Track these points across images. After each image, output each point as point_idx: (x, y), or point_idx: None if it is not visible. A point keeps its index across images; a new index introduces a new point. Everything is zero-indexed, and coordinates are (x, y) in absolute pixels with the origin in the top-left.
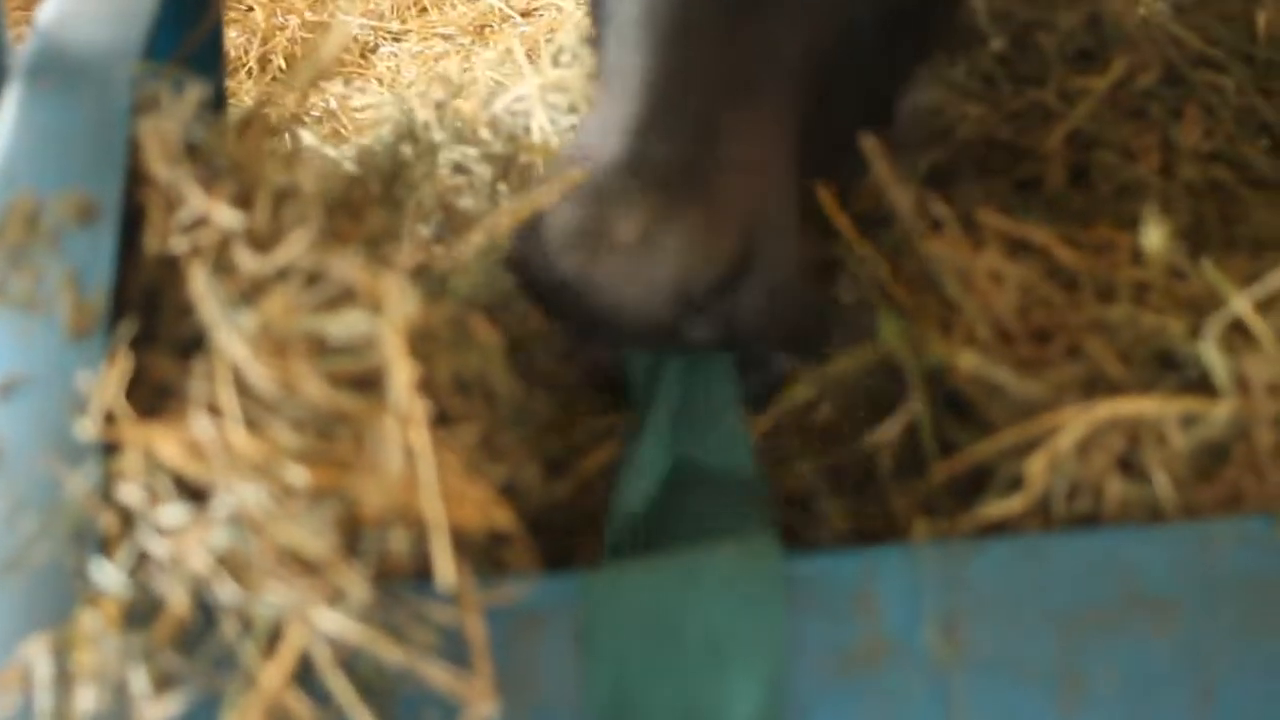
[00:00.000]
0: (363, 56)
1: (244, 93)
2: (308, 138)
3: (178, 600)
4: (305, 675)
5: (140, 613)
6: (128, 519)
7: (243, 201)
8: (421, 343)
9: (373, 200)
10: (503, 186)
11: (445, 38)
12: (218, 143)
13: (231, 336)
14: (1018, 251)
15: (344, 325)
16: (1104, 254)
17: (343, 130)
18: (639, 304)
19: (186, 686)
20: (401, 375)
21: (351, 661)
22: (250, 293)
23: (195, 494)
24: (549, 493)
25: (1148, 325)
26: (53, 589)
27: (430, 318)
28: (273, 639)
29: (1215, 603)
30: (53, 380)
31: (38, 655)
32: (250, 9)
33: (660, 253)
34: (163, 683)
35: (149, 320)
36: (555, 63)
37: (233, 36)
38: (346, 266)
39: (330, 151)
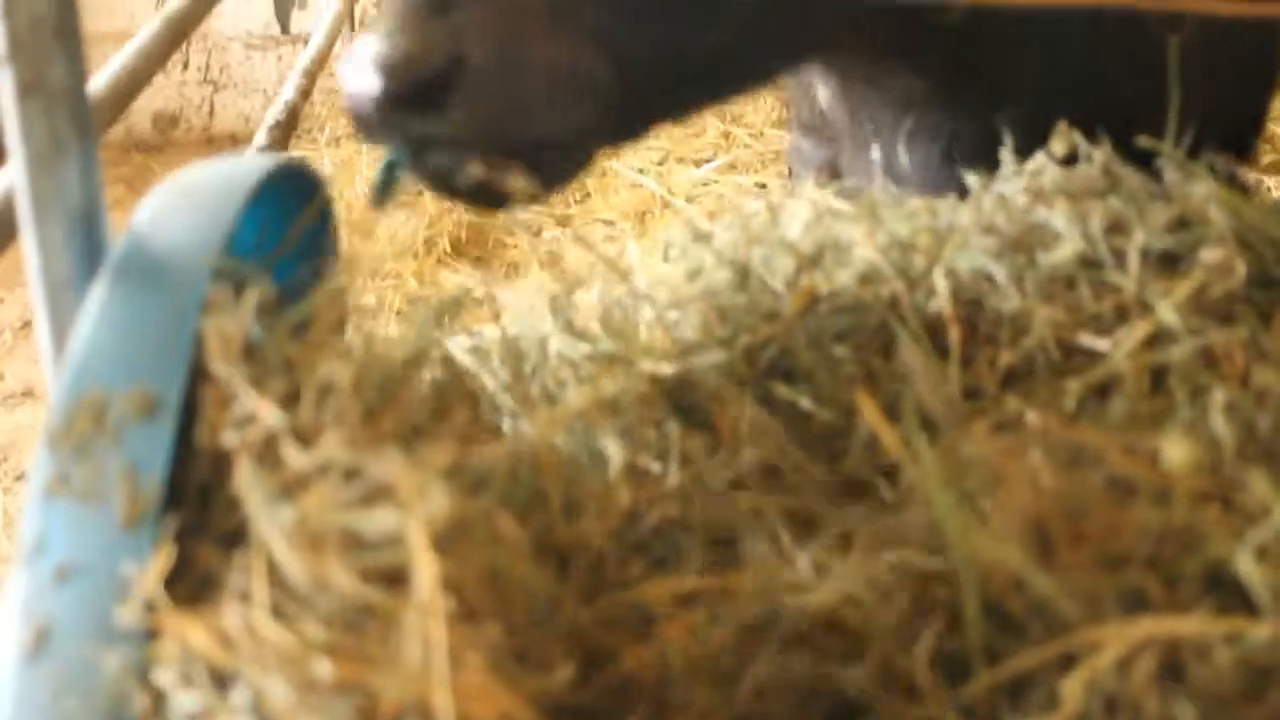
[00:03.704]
0: (526, 240)
1: (410, 273)
2: (421, 317)
3: None
4: None
5: None
6: (160, 703)
7: (294, 396)
8: (453, 539)
9: (418, 394)
10: (606, 381)
11: (607, 223)
12: (272, 341)
13: (271, 530)
14: (1079, 455)
15: (374, 522)
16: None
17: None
18: (361, 97)
19: None
20: (424, 572)
21: None
22: (293, 487)
23: (231, 681)
24: (578, 697)
25: (1195, 536)
26: None
27: (464, 514)
28: None
29: None
30: (103, 568)
31: None
32: (420, 193)
33: (374, 58)
34: None
35: (202, 511)
36: (665, 258)
37: (402, 219)
38: (381, 465)
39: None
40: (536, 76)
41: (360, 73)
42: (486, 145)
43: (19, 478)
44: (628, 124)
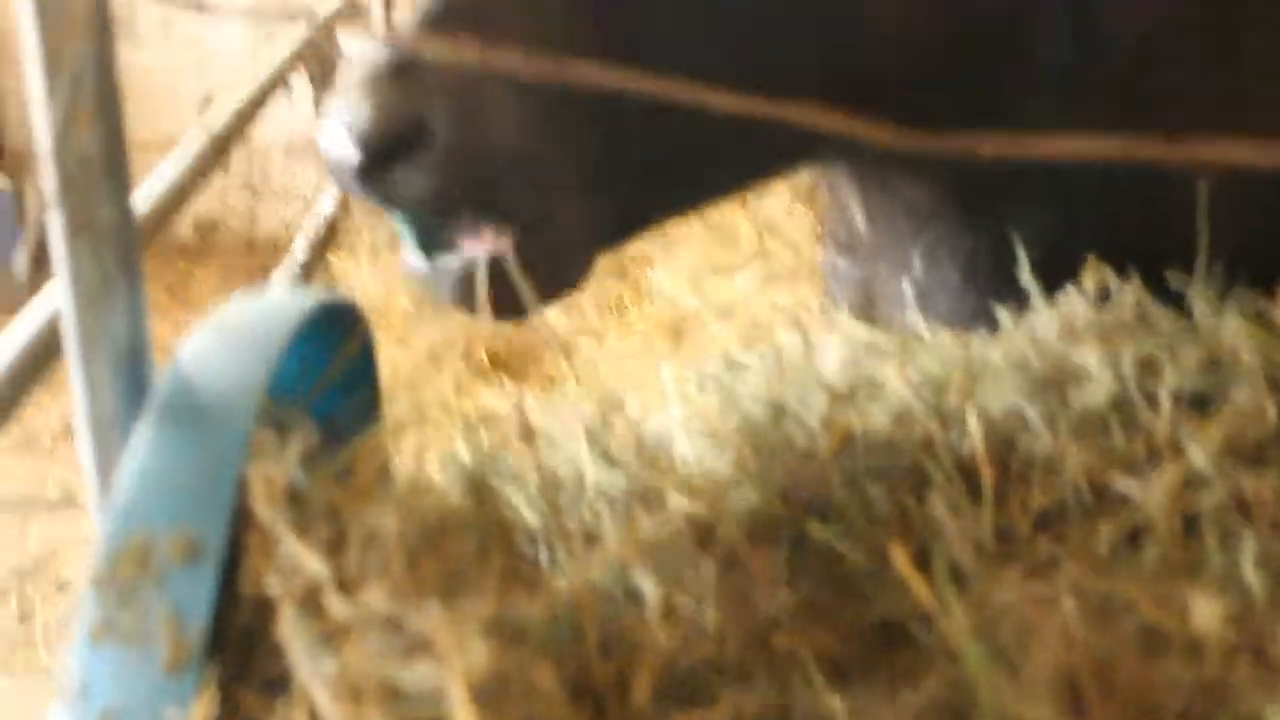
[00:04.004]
0: (563, 352)
1: (447, 385)
2: (461, 450)
3: None
4: None
5: None
6: None
7: (337, 543)
8: (491, 691)
9: (462, 536)
10: (639, 512)
11: (643, 335)
12: (317, 488)
13: (313, 680)
14: (1111, 604)
15: (415, 675)
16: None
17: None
18: (333, 161)
19: None
20: None
21: None
22: (335, 636)
23: None
24: None
25: (1226, 691)
26: None
27: (502, 666)
28: None
29: None
30: (147, 713)
31: None
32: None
33: (342, 122)
34: None
35: (245, 657)
36: (700, 389)
37: (437, 330)
38: (422, 617)
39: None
40: (498, 140)
41: (330, 137)
42: (448, 205)
43: (60, 587)
44: (614, 216)
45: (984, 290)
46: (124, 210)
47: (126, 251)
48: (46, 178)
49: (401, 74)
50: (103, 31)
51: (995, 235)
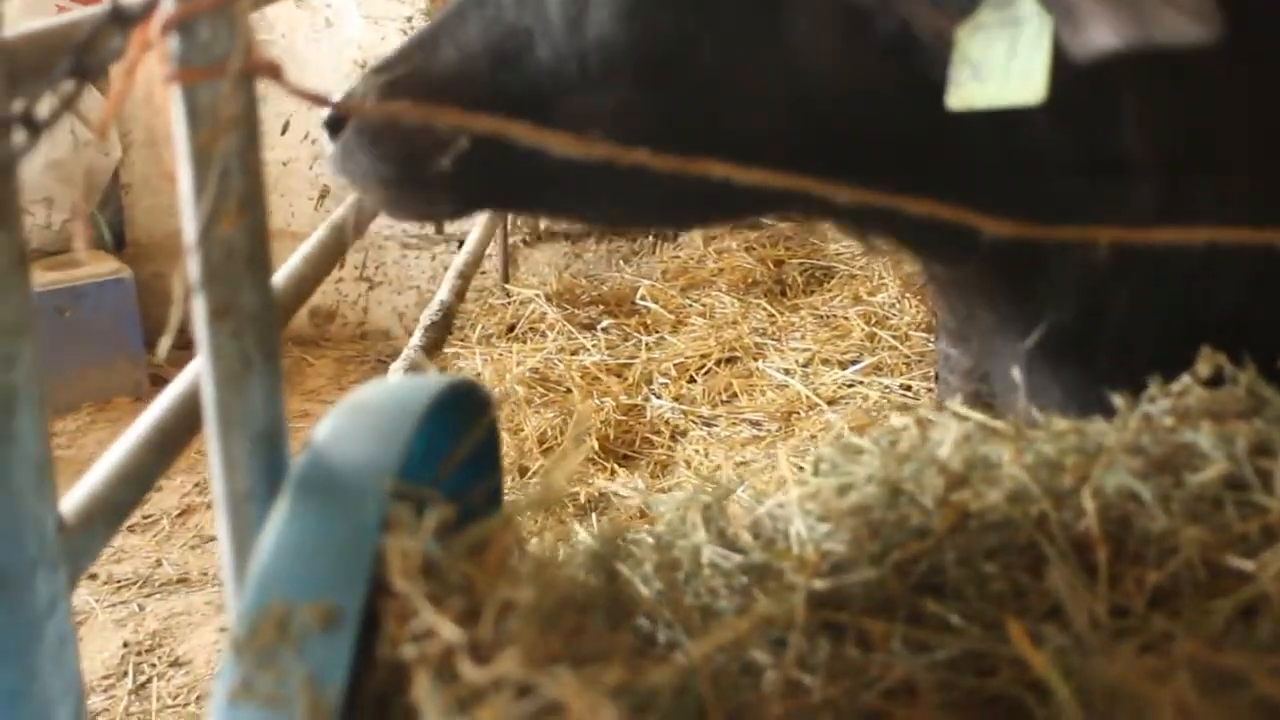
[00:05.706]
0: (673, 439)
1: (556, 472)
2: (581, 533)
3: None
4: None
5: None
6: None
7: (471, 613)
8: None
9: (591, 611)
10: (756, 591)
11: (753, 423)
12: (452, 562)
13: None
14: (1226, 678)
15: None
16: None
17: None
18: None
19: None
20: None
21: None
22: (469, 700)
23: None
24: None
25: None
26: None
27: None
28: None
29: None
30: None
31: None
32: (568, 390)
33: None
34: None
35: None
36: (815, 471)
37: (549, 417)
38: (554, 683)
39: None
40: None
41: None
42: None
43: (173, 663)
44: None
45: (1066, 370)
46: (265, 295)
47: (266, 337)
48: (192, 265)
49: (378, 70)
50: (249, 129)
51: (1032, 313)
